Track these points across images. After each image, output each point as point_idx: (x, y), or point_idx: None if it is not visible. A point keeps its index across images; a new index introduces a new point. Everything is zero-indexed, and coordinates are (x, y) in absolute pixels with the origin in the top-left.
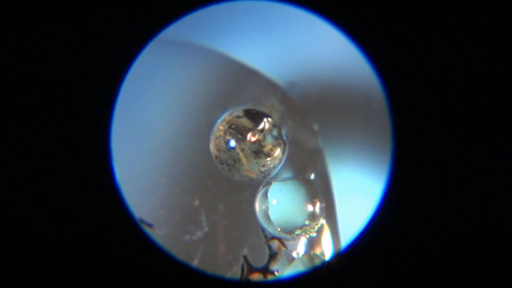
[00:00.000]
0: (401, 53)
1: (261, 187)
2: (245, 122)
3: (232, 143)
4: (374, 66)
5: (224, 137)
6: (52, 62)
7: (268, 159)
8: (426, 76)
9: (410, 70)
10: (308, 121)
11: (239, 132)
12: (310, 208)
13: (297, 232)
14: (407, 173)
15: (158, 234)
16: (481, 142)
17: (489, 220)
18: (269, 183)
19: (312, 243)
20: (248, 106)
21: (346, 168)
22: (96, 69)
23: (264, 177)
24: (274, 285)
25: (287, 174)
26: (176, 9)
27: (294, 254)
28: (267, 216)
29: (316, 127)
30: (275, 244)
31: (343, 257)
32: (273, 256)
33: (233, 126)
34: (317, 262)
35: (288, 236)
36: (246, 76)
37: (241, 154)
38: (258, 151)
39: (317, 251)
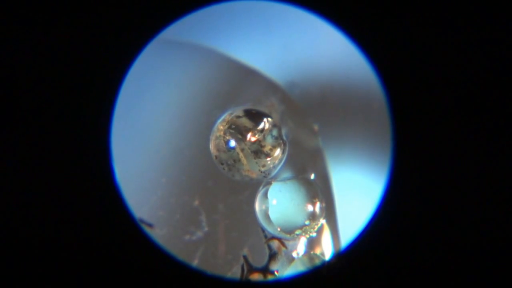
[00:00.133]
0: (401, 53)
1: (261, 187)
2: (245, 122)
3: (232, 143)
4: (374, 66)
5: (224, 137)
6: (52, 62)
7: (268, 159)
8: (426, 76)
9: (410, 70)
10: (308, 121)
11: (239, 132)
12: (310, 208)
13: (297, 232)
14: (407, 173)
15: (158, 234)
16: (481, 142)
17: (489, 220)
18: (269, 183)
19: (312, 243)
20: (248, 106)
21: (346, 168)
22: (96, 69)
23: (264, 177)
24: (274, 285)
25: (287, 174)
26: (176, 9)
27: (294, 254)
28: (267, 216)
29: (316, 127)
30: (275, 244)
31: (343, 257)
32: (273, 256)
33: (233, 126)
34: (317, 262)
35: (288, 236)
36: (246, 76)
37: (241, 154)
38: (258, 151)
39: (317, 251)
